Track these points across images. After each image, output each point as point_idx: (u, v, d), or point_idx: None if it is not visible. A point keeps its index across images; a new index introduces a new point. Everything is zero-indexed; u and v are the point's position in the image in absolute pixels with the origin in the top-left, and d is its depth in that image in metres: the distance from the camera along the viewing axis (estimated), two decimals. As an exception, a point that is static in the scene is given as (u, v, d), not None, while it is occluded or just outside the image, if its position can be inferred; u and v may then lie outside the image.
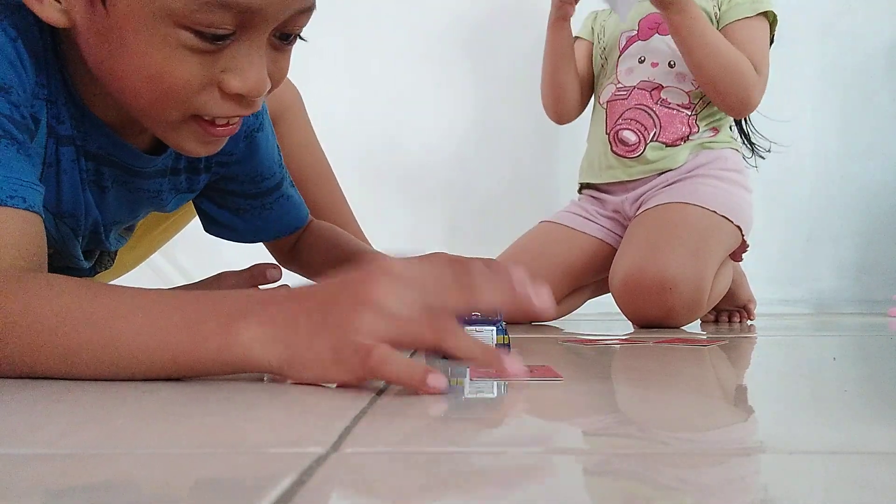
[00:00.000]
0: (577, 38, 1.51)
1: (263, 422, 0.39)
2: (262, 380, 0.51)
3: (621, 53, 1.39)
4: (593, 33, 1.48)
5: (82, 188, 0.70)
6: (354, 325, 0.45)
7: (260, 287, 0.93)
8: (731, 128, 1.40)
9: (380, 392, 0.46)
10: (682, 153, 1.32)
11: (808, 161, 1.89)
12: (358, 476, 0.29)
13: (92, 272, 0.88)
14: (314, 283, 0.56)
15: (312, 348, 0.46)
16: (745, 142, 1.45)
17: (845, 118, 1.90)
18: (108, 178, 0.71)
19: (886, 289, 1.84)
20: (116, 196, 0.73)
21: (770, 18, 1.31)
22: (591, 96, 1.51)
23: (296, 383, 0.47)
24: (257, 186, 0.83)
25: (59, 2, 0.56)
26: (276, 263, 0.94)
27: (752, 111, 1.32)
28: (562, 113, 1.48)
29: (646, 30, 1.38)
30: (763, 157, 1.47)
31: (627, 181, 1.36)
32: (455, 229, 1.87)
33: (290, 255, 0.94)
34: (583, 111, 1.51)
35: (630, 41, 1.39)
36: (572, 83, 1.45)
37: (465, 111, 1.90)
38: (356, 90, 1.88)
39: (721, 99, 1.28)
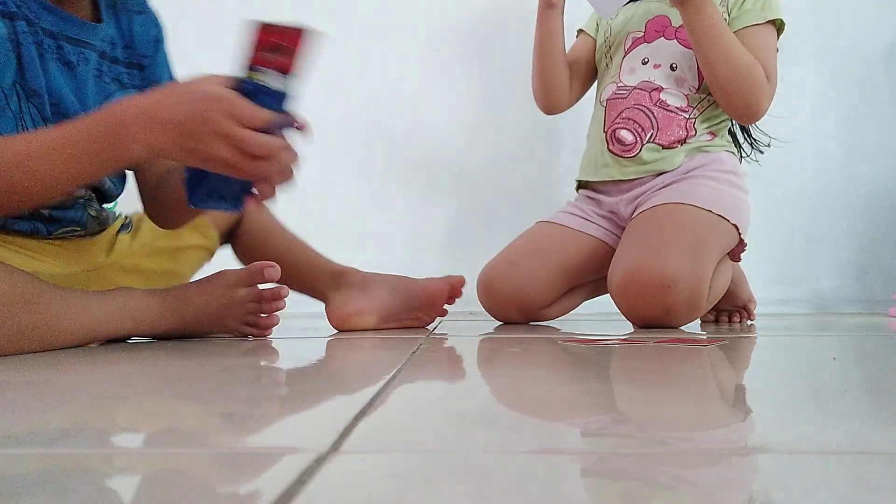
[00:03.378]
0: (580, 31, 1.51)
1: (263, 422, 0.39)
2: (261, 380, 0.51)
3: (626, 54, 1.39)
4: (598, 30, 1.48)
5: (42, 62, 0.80)
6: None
7: (260, 286, 0.93)
8: (728, 132, 1.40)
9: (380, 391, 0.46)
10: (679, 156, 1.32)
11: (808, 161, 1.89)
12: (358, 476, 0.29)
13: (83, 218, 0.93)
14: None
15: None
16: (746, 137, 1.45)
17: (845, 118, 1.90)
18: (70, 53, 0.84)
19: (886, 289, 1.84)
20: (83, 75, 0.85)
21: (777, 25, 1.31)
22: (584, 90, 1.51)
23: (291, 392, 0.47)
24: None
25: None
26: (274, 263, 0.94)
27: (760, 118, 1.31)
28: (548, 103, 1.48)
29: (652, 32, 1.38)
30: (762, 153, 1.46)
31: (622, 181, 1.36)
32: (455, 228, 1.87)
33: (156, 187, 0.96)
34: (573, 104, 1.51)
35: (636, 42, 1.39)
36: (560, 73, 1.44)
37: (466, 111, 1.90)
38: (358, 89, 1.88)
39: (729, 103, 1.27)
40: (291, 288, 1.05)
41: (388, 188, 1.88)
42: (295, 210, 1.80)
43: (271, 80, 0.73)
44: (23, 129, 0.80)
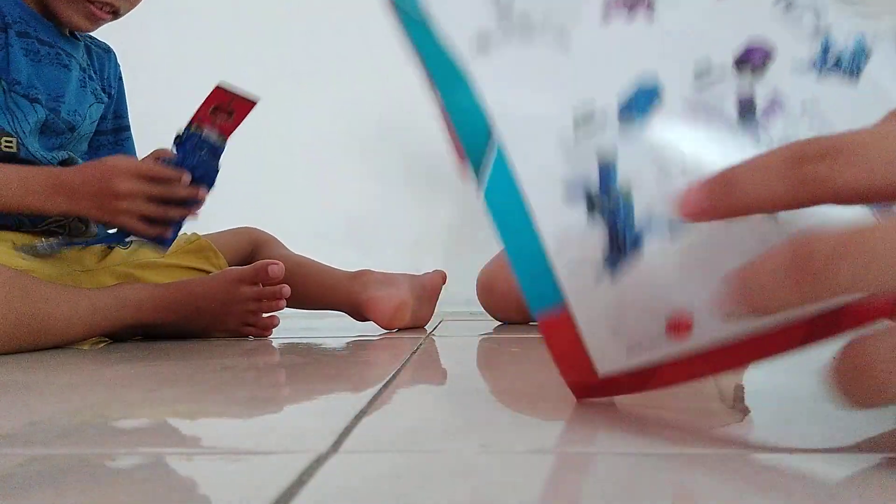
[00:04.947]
0: None
1: (263, 421, 0.39)
2: (261, 380, 0.51)
3: None
4: None
5: (38, 65, 0.95)
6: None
7: (263, 286, 0.94)
8: None
9: (380, 391, 0.46)
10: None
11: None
12: (358, 476, 0.29)
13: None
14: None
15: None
16: None
17: (845, 118, 1.90)
18: (65, 58, 0.98)
19: (886, 289, 1.84)
20: (71, 78, 0.99)
21: None
22: None
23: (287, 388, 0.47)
24: (118, 122, 1.13)
25: None
26: (278, 261, 0.95)
27: None
28: None
29: None
30: None
31: None
32: (455, 228, 1.88)
33: None
34: None
35: None
36: None
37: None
38: (358, 90, 1.88)
39: None
40: (313, 305, 1.10)
41: (387, 189, 1.88)
42: (295, 211, 1.81)
43: (208, 133, 0.89)
44: (10, 120, 0.92)
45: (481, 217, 0.36)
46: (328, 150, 1.88)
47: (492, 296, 1.32)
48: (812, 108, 0.37)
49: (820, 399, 0.50)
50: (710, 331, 0.36)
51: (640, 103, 0.36)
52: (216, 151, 0.91)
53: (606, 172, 0.36)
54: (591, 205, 0.36)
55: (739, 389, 0.56)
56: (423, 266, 1.22)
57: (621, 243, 0.36)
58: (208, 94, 0.89)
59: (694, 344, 0.37)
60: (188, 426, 0.38)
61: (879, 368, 0.27)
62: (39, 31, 0.97)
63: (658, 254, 0.36)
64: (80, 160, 1.02)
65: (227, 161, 1.95)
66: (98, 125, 1.09)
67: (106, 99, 1.09)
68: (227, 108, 0.90)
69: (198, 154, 0.89)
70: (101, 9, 0.94)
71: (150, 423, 0.39)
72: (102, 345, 0.86)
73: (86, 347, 0.83)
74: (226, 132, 0.91)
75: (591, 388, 0.40)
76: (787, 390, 0.55)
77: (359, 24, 1.88)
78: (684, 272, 0.36)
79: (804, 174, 0.28)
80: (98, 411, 0.41)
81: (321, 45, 1.87)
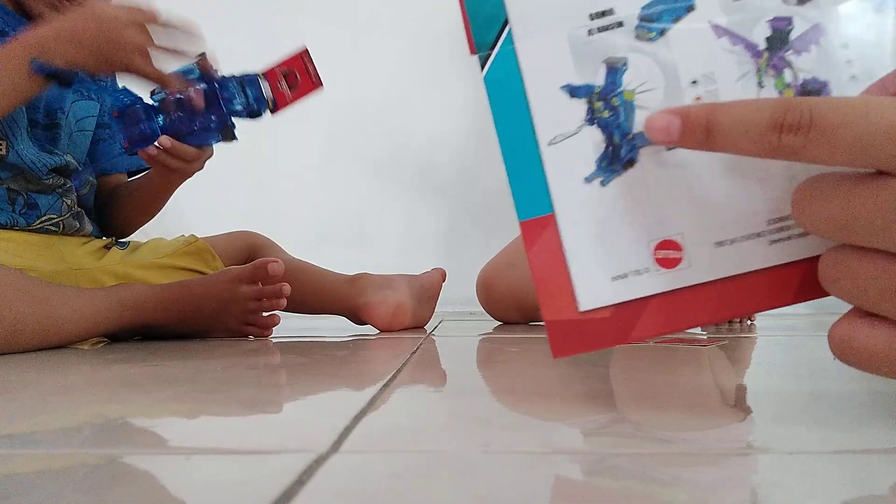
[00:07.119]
0: None
1: (263, 422, 0.39)
2: (261, 380, 0.51)
3: None
4: None
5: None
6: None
7: (262, 285, 0.94)
8: None
9: (380, 391, 0.46)
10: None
11: (808, 161, 1.89)
12: (358, 476, 0.29)
13: (58, 205, 0.98)
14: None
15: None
16: None
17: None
18: None
19: (886, 289, 1.84)
20: None
21: None
22: None
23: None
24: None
25: None
26: (277, 259, 0.95)
27: None
28: None
29: None
30: None
31: None
32: (454, 229, 1.87)
33: (115, 192, 1.13)
34: None
35: None
36: None
37: (464, 111, 1.90)
38: (358, 89, 1.88)
39: None
40: (311, 309, 1.09)
41: (385, 189, 1.88)
42: (292, 211, 1.81)
43: (265, 91, 0.87)
44: None
45: (480, 217, 0.36)
46: (326, 151, 1.88)
47: (492, 296, 1.32)
48: (856, 48, 0.35)
49: (820, 399, 0.50)
50: (701, 264, 0.35)
51: (666, 13, 0.35)
52: (253, 109, 0.87)
53: (613, 75, 0.35)
54: (592, 108, 0.36)
55: (740, 389, 0.56)
56: (422, 266, 1.22)
57: (616, 153, 0.36)
58: (291, 53, 0.85)
59: (683, 278, 0.35)
60: (188, 426, 0.38)
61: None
62: (18, 29, 0.93)
63: (652, 171, 0.35)
64: (79, 166, 1.02)
65: (225, 163, 1.96)
66: (99, 118, 1.07)
67: (94, 95, 1.07)
68: (295, 80, 0.87)
69: (239, 93, 0.85)
70: None
71: (150, 423, 0.39)
72: (102, 345, 0.86)
73: (86, 347, 0.83)
74: (279, 103, 0.87)
75: (571, 334, 0.37)
76: (787, 390, 0.55)
77: (357, 24, 1.88)
78: (678, 195, 0.35)
79: (777, 143, 0.30)
80: (98, 411, 0.41)
81: (319, 45, 1.87)
